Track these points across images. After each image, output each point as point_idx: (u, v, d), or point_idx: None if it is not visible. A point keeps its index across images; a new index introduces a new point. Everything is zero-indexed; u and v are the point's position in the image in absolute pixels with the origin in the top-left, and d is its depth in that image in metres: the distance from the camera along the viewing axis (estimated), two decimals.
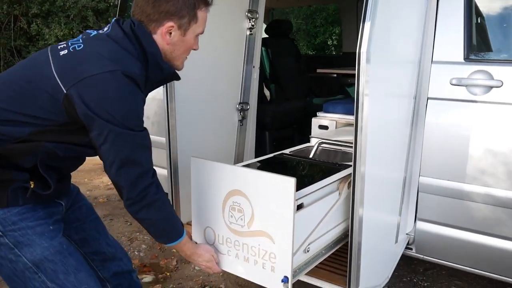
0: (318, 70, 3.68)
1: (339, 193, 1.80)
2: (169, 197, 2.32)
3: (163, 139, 2.36)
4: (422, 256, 2.16)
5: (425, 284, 2.54)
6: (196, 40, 1.45)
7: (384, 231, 1.98)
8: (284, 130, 3.43)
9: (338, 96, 3.99)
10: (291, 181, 1.38)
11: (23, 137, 1.25)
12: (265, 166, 1.97)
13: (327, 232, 1.80)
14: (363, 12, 1.56)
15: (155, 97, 2.75)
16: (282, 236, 1.46)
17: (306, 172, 1.99)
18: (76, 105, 1.21)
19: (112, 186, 1.53)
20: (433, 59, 1.98)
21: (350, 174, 1.68)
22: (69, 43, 1.33)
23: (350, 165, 1.68)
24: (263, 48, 4.02)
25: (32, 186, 1.29)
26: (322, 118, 2.69)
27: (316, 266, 1.76)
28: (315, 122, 2.72)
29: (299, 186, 1.51)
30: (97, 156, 1.34)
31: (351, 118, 2.66)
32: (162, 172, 2.66)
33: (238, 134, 2.74)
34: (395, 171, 1.98)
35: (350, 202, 1.65)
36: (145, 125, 1.32)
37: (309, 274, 1.75)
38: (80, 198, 1.62)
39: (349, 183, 1.74)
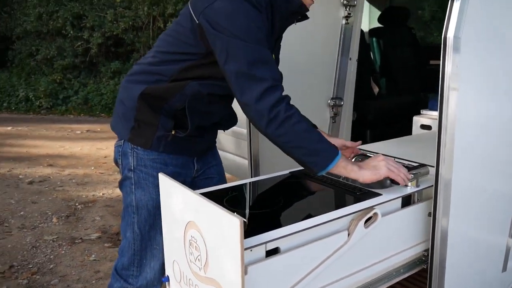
0: (432, 62, 3.26)
1: (348, 234, 1.25)
2: None
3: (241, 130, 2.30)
4: None
5: None
6: None
7: (485, 255, 1.63)
8: (389, 128, 3.10)
9: None
10: (235, 223, 0.95)
11: (174, 75, 1.40)
12: (264, 188, 1.52)
13: None
14: None
15: None
16: None
17: (310, 201, 1.46)
18: (205, 30, 1.29)
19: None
20: None
21: (372, 207, 1.29)
22: None
23: (380, 194, 1.33)
24: (374, 39, 3.73)
25: (173, 133, 1.43)
26: (425, 117, 2.34)
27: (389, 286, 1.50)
28: (416, 121, 2.39)
29: (284, 221, 1.15)
30: None
31: None
32: (243, 162, 2.64)
33: (330, 131, 2.55)
34: (502, 181, 1.60)
35: (369, 246, 1.31)
36: None
37: None
38: (216, 171, 1.67)
39: (368, 220, 1.29)
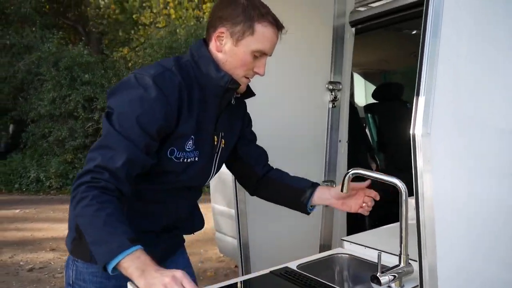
0: None
1: None
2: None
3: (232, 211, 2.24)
4: None
5: None
6: (253, 58, 1.31)
7: None
8: (388, 208, 3.01)
9: None
10: None
11: None
12: None
13: None
14: (416, 86, 1.27)
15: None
16: None
17: None
18: None
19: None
20: None
21: None
22: None
23: None
24: (369, 115, 3.76)
25: None
26: None
27: None
28: (411, 203, 2.31)
29: None
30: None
31: None
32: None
33: (324, 215, 2.48)
34: (495, 263, 1.50)
35: None
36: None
37: None
38: None
39: None
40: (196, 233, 1.57)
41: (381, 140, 3.61)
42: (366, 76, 4.36)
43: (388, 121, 3.69)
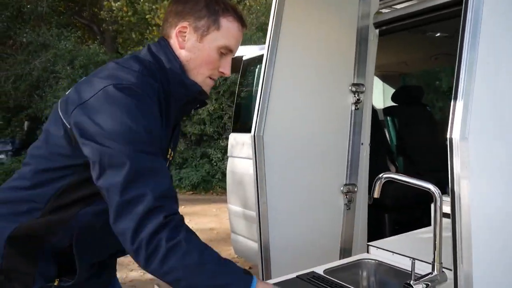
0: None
1: None
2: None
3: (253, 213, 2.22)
4: None
5: None
6: (219, 56, 1.21)
7: None
8: (409, 211, 2.97)
9: None
10: None
11: (51, 200, 1.11)
12: None
13: None
14: (453, 89, 1.24)
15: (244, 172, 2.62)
16: None
17: None
18: (76, 137, 1.06)
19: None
20: None
21: None
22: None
23: None
24: (388, 118, 3.71)
25: (56, 284, 1.12)
26: (445, 203, 2.22)
27: None
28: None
29: None
30: None
31: None
32: (255, 245, 2.51)
33: (345, 219, 2.44)
34: None
35: None
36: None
37: None
38: None
39: None
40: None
41: (400, 143, 3.56)
42: (386, 79, 4.31)
43: (408, 125, 3.64)
